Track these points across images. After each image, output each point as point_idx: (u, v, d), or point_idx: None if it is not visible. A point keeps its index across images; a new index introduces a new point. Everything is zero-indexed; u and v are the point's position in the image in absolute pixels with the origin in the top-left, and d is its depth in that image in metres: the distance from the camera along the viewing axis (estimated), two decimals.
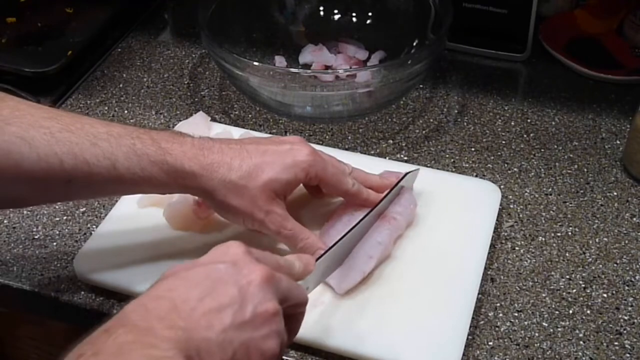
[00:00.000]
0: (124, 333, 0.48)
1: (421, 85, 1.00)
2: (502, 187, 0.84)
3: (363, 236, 0.74)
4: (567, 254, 0.78)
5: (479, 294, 0.72)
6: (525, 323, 0.71)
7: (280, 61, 1.03)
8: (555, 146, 0.91)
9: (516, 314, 0.72)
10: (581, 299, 0.74)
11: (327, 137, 0.93)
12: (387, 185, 0.77)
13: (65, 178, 0.64)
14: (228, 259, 0.54)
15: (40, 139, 0.62)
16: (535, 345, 0.69)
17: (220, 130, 0.88)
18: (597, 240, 0.79)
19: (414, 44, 1.01)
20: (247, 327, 0.52)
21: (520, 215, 0.82)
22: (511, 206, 0.83)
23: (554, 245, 0.79)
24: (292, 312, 0.58)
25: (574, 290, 0.74)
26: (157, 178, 0.66)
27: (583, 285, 0.75)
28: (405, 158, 0.89)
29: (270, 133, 0.93)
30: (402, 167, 0.82)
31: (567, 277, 0.76)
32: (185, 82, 1.03)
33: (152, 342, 0.47)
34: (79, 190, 0.66)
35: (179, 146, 0.67)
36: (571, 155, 0.90)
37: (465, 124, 0.95)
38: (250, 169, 0.68)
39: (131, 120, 0.96)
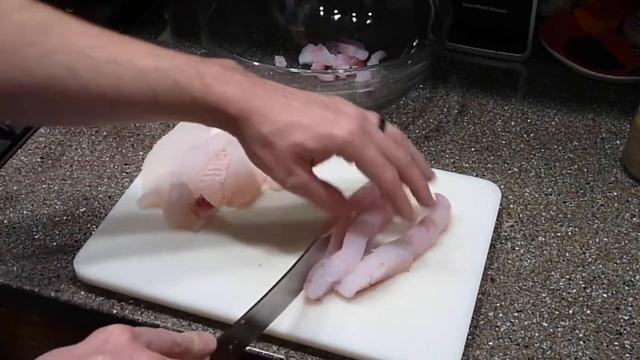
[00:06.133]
0: None
1: (421, 85, 1.00)
2: (502, 187, 0.84)
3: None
4: (567, 254, 0.78)
5: (479, 294, 0.72)
6: (525, 323, 0.71)
7: (280, 61, 1.03)
8: (555, 146, 0.91)
9: (516, 314, 0.72)
10: (581, 299, 0.74)
11: None
12: (433, 204, 0.73)
13: (109, 106, 0.65)
14: (109, 348, 0.49)
15: (86, 70, 0.63)
16: (535, 345, 0.69)
17: (219, 130, 0.88)
18: (597, 240, 0.79)
19: (414, 44, 1.01)
20: None
21: (520, 215, 0.82)
22: (511, 206, 0.83)
23: (554, 245, 0.79)
24: None
25: (574, 290, 0.74)
26: (195, 114, 0.66)
27: (583, 285, 0.75)
28: None
29: None
30: None
31: (567, 277, 0.76)
32: None
33: None
34: (121, 116, 0.70)
35: (223, 85, 0.65)
36: (571, 155, 0.90)
37: (465, 124, 0.95)
38: (282, 127, 0.65)
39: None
